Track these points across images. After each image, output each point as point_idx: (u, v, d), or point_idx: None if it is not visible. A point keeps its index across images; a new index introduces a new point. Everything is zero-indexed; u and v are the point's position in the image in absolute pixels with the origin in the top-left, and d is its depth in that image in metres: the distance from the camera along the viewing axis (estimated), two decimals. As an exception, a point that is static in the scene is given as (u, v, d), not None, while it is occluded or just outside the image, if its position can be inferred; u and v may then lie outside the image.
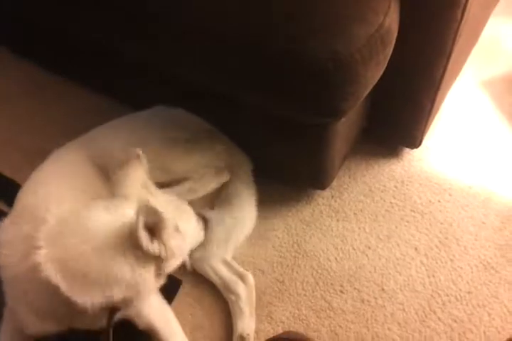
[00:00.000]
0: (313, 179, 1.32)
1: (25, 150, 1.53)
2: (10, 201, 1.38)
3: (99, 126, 1.27)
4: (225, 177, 1.27)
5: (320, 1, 0.89)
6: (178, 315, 1.18)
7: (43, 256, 0.90)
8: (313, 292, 1.26)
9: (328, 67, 0.87)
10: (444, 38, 1.02)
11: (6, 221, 1.04)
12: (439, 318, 1.21)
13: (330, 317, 1.23)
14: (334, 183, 1.38)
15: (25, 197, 1.10)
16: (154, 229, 0.90)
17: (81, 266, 0.91)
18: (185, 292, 1.27)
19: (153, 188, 1.06)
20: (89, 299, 0.90)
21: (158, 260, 0.94)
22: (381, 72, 0.97)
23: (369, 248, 1.31)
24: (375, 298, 1.24)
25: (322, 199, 1.38)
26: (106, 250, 0.91)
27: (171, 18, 0.96)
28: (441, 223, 1.34)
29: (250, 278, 1.24)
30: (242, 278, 1.24)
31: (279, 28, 0.89)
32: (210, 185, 1.26)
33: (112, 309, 0.96)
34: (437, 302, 1.23)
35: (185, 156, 1.23)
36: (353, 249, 1.31)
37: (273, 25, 0.89)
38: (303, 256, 1.31)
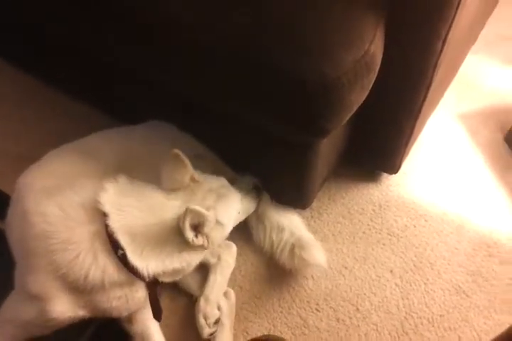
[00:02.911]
0: (294, 199, 1.35)
1: (8, 156, 1.54)
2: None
3: (94, 133, 1.27)
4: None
5: (310, 26, 0.93)
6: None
7: (113, 220, 0.98)
8: (289, 309, 1.28)
9: (315, 88, 0.91)
10: (425, 68, 1.07)
11: (24, 196, 1.07)
12: (411, 340, 1.24)
13: (305, 334, 1.24)
14: (314, 204, 1.42)
15: (40, 179, 1.12)
16: (198, 226, 1.00)
17: (144, 235, 0.99)
18: (163, 304, 1.24)
19: (199, 177, 1.12)
20: (146, 265, 0.98)
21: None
22: (365, 96, 1.01)
23: (346, 268, 1.34)
24: (350, 318, 1.26)
25: (302, 218, 1.40)
26: (163, 229, 1.00)
27: (163, 29, 0.99)
28: (416, 247, 1.38)
29: (232, 293, 1.27)
30: (224, 293, 1.26)
31: (271, 48, 0.93)
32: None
33: (153, 282, 1.04)
34: (410, 324, 1.26)
35: None
36: (330, 268, 1.33)
37: (265, 45, 0.93)
38: (280, 273, 1.32)
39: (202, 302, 1.23)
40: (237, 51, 0.95)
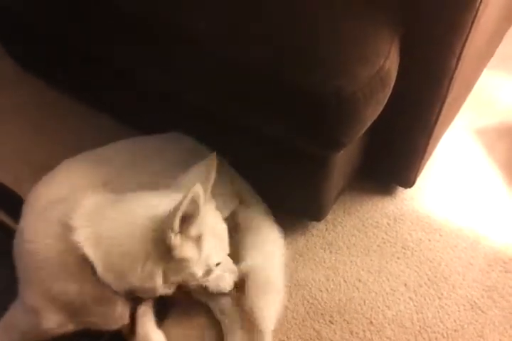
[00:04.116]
0: (310, 210, 1.37)
1: (29, 164, 1.58)
2: (10, 211, 1.43)
3: (109, 144, 1.30)
4: (234, 204, 1.31)
5: (325, 40, 0.96)
6: (170, 335, 1.20)
7: (81, 235, 0.95)
8: (303, 321, 1.28)
9: (331, 102, 0.93)
10: (439, 84, 1.08)
11: (28, 210, 1.09)
12: (425, 354, 1.23)
13: (318, 346, 1.25)
14: (329, 216, 1.43)
15: (49, 189, 1.14)
16: (184, 223, 0.92)
17: (114, 248, 0.95)
18: (176, 312, 1.28)
19: (211, 201, 1.08)
20: (116, 281, 0.95)
21: (170, 261, 0.96)
22: (379, 111, 1.03)
23: (360, 281, 1.34)
24: (364, 331, 1.27)
25: (316, 230, 1.42)
26: (137, 236, 0.95)
27: (183, 42, 1.03)
28: (431, 261, 1.37)
29: None
30: None
31: (289, 61, 0.96)
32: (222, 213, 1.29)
33: (135, 300, 1.02)
34: (424, 339, 1.25)
35: None
36: (344, 281, 1.34)
37: (283, 58, 0.96)
38: (295, 285, 1.33)
39: None
40: (252, 64, 0.97)
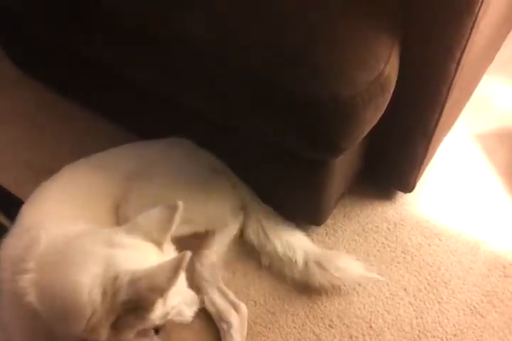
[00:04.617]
0: (310, 215, 1.36)
1: (31, 167, 1.59)
2: (11, 215, 1.43)
3: (110, 149, 1.30)
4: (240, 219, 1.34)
5: (325, 42, 0.96)
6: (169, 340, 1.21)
7: (27, 280, 0.89)
8: (302, 325, 1.28)
9: (329, 106, 0.93)
10: (438, 89, 1.08)
11: (9, 236, 1.05)
12: (424, 359, 1.23)
13: (317, 350, 1.24)
14: (329, 221, 1.43)
15: (26, 214, 1.11)
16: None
17: (59, 299, 0.88)
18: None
19: (169, 249, 0.98)
20: (61, 330, 0.90)
21: (122, 316, 0.88)
22: (379, 116, 1.02)
23: (359, 285, 1.34)
24: (363, 335, 1.26)
25: (316, 235, 1.42)
26: (83, 290, 0.86)
27: (183, 47, 1.03)
28: (431, 266, 1.37)
29: (243, 307, 1.27)
30: (235, 307, 1.26)
31: (287, 67, 0.95)
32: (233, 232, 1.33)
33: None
34: (423, 343, 1.25)
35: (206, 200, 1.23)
36: (344, 285, 1.33)
37: (283, 59, 0.96)
38: (294, 289, 1.33)
39: None
40: (252, 65, 0.98)
